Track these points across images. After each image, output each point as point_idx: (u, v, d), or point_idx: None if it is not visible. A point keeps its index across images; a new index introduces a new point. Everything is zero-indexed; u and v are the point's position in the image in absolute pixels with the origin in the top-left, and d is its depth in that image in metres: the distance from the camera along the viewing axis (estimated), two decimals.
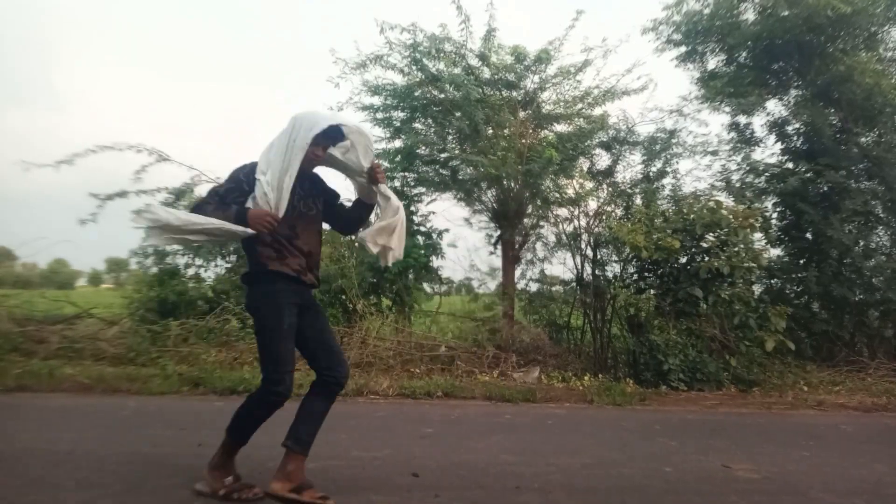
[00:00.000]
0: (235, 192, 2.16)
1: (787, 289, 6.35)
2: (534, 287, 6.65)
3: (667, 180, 6.54)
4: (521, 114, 6.32)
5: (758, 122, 7.12)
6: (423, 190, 6.63)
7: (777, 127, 6.97)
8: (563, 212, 6.21)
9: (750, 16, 6.59)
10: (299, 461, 2.13)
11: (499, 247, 6.50)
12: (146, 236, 2.12)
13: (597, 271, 6.01)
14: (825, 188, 6.21)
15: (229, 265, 6.18)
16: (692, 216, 5.30)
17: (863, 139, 6.57)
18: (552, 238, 6.45)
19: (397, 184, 6.57)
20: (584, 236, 6.05)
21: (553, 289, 6.62)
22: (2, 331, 5.16)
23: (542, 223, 6.53)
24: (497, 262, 6.60)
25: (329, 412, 2.26)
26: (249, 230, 2.06)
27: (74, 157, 5.25)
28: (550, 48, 6.14)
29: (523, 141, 5.88)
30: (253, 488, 2.16)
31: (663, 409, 4.19)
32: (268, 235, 2.10)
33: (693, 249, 5.34)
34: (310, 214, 2.27)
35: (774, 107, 6.96)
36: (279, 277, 2.15)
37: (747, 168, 6.81)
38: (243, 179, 2.17)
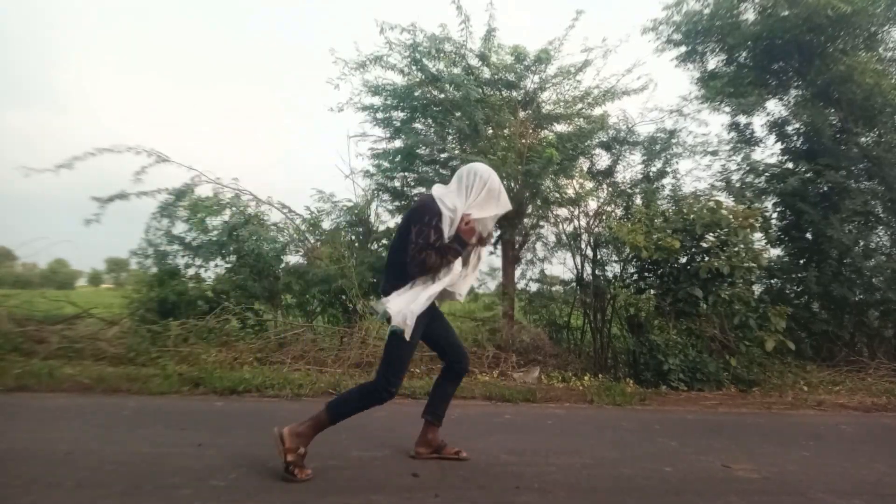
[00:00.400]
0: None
1: (787, 289, 6.35)
2: (534, 287, 6.66)
3: (667, 180, 6.55)
4: (521, 114, 6.32)
5: (758, 122, 7.13)
6: (423, 190, 6.63)
7: (777, 127, 6.97)
8: (563, 212, 6.23)
9: (750, 16, 6.59)
10: (435, 430, 2.73)
11: (499, 247, 6.51)
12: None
13: (597, 271, 6.02)
14: (825, 188, 6.21)
15: (229, 265, 6.19)
16: (692, 216, 5.30)
17: (863, 139, 6.57)
18: (552, 238, 6.46)
19: (397, 184, 6.58)
20: (584, 236, 6.05)
21: (553, 289, 6.62)
22: (2, 331, 5.17)
23: (542, 223, 6.54)
24: (497, 262, 6.61)
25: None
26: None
27: (74, 161, 5.26)
28: (550, 48, 6.14)
29: (523, 141, 5.88)
30: (306, 470, 2.37)
31: (663, 409, 4.19)
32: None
33: (693, 249, 5.34)
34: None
35: (774, 107, 6.97)
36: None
37: (747, 168, 6.81)
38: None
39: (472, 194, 2.50)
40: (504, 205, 2.58)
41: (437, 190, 2.56)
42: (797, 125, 6.74)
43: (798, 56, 6.51)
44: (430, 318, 2.55)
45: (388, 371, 2.47)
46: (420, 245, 2.39)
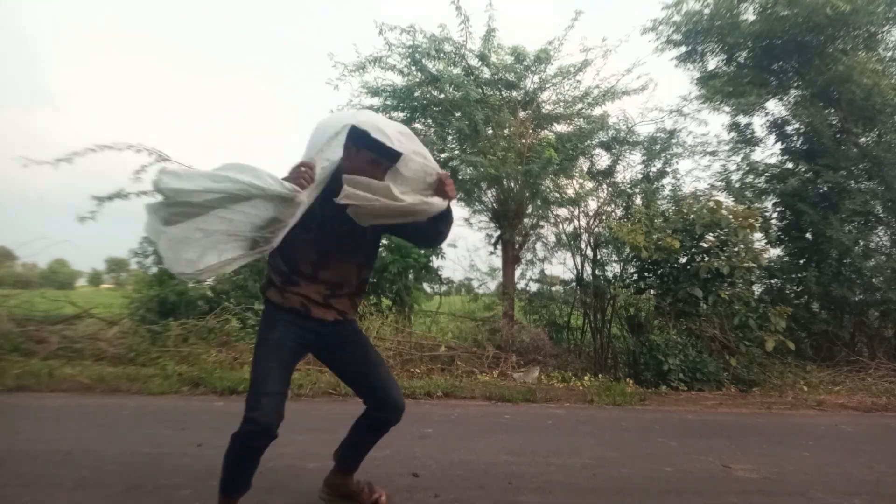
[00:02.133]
0: None
1: (787, 289, 6.35)
2: (534, 287, 6.66)
3: (667, 180, 6.56)
4: (521, 114, 6.32)
5: (758, 122, 7.14)
6: None
7: (777, 127, 6.97)
8: (563, 212, 6.23)
9: (750, 16, 6.59)
10: (344, 476, 2.17)
11: (499, 247, 6.51)
12: (148, 222, 1.67)
13: (597, 271, 6.01)
14: (825, 188, 6.20)
15: None
16: (692, 216, 5.31)
17: (862, 139, 6.57)
18: (552, 238, 6.46)
19: None
20: (584, 236, 6.05)
21: (553, 289, 6.62)
22: (2, 331, 5.16)
23: (542, 223, 6.54)
24: (497, 262, 6.61)
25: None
26: (292, 188, 1.59)
27: (74, 156, 5.25)
28: (550, 48, 6.14)
29: (523, 141, 5.88)
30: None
31: (663, 409, 4.19)
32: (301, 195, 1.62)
33: (693, 249, 5.34)
34: (348, 236, 1.85)
35: (774, 107, 6.98)
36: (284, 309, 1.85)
37: (747, 168, 6.82)
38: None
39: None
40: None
41: None
42: (797, 125, 6.74)
43: (798, 56, 6.51)
44: (331, 342, 1.96)
45: (249, 392, 1.83)
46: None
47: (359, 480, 2.18)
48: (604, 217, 6.05)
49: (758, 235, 5.69)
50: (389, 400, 2.01)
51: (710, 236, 5.34)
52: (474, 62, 6.21)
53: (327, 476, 2.17)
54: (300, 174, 1.64)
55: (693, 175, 7.16)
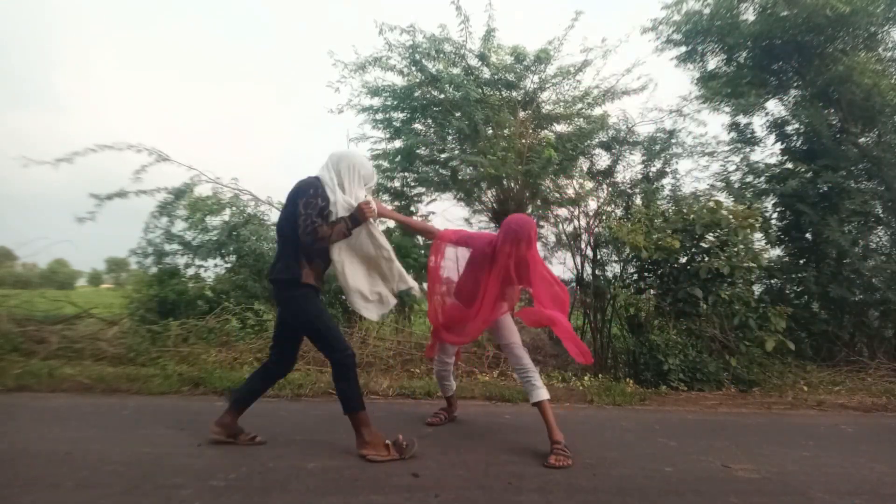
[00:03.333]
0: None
1: (787, 289, 6.35)
2: None
3: (666, 180, 6.55)
4: (521, 114, 6.33)
5: (757, 123, 7.14)
6: (422, 190, 6.64)
7: (777, 127, 6.97)
8: (563, 212, 6.22)
9: (749, 16, 6.59)
10: (233, 416, 2.86)
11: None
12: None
13: (597, 271, 6.01)
14: (825, 188, 6.21)
15: (228, 265, 6.18)
16: (692, 216, 5.30)
17: (862, 139, 6.57)
18: (552, 238, 6.46)
19: (397, 184, 6.58)
20: (584, 236, 6.05)
21: None
22: (2, 331, 5.16)
23: (542, 223, 6.54)
24: None
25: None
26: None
27: (74, 156, 5.26)
28: (550, 48, 6.15)
29: (523, 141, 5.88)
30: (406, 442, 2.69)
31: (663, 409, 4.19)
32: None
33: (693, 249, 5.34)
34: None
35: (774, 107, 6.98)
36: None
37: (747, 168, 6.82)
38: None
39: (350, 178, 2.78)
40: (370, 175, 2.89)
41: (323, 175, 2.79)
42: (797, 125, 6.75)
43: (797, 56, 6.52)
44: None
45: (334, 341, 2.72)
46: (309, 214, 2.59)
47: (241, 428, 2.85)
48: (604, 217, 6.05)
49: (758, 235, 5.69)
50: (292, 361, 2.99)
51: (710, 236, 5.34)
52: (474, 62, 6.22)
53: (219, 417, 2.83)
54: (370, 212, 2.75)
55: (693, 175, 7.17)
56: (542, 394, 2.89)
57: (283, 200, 2.87)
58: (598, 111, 6.47)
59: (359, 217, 2.70)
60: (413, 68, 6.13)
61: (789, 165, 6.63)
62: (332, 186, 2.71)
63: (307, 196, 2.62)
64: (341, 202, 2.69)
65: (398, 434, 2.73)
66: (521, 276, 2.90)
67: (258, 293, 5.89)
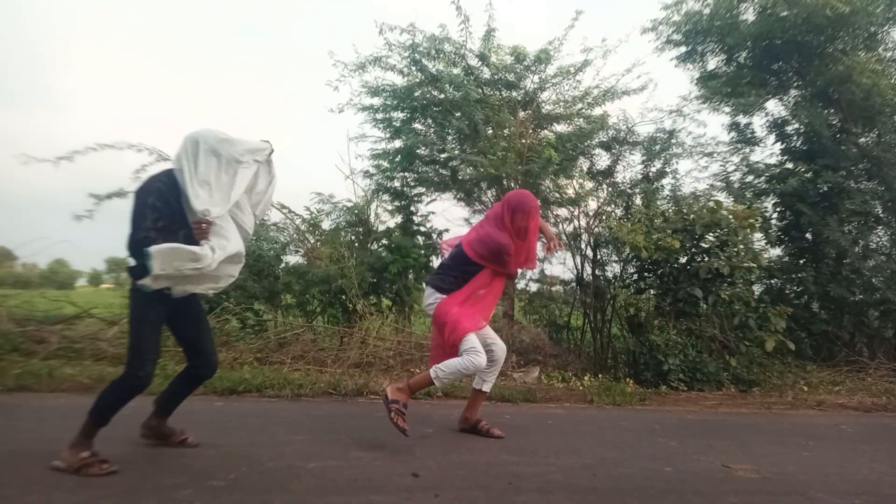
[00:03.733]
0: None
1: (787, 289, 6.35)
2: (534, 287, 6.66)
3: (666, 180, 6.55)
4: (521, 114, 6.32)
5: (757, 123, 7.14)
6: (422, 190, 6.63)
7: (777, 127, 6.97)
8: (563, 212, 6.23)
9: (749, 16, 6.58)
10: (162, 419, 2.79)
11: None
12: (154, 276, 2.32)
13: (597, 271, 6.02)
14: (824, 188, 6.21)
15: None
16: (692, 216, 5.31)
17: (862, 139, 6.57)
18: None
19: (397, 184, 6.58)
20: (584, 236, 6.05)
21: (553, 289, 6.62)
22: (2, 331, 5.16)
23: None
24: None
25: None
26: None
27: (74, 154, 5.26)
28: (550, 48, 6.14)
29: (523, 141, 5.88)
30: (105, 463, 2.39)
31: (663, 409, 4.19)
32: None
33: (693, 249, 5.34)
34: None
35: (774, 107, 6.97)
36: None
37: (747, 168, 6.82)
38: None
39: (194, 164, 2.40)
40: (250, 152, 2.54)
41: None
42: (797, 125, 6.74)
43: (797, 56, 6.51)
44: (179, 311, 2.57)
45: (131, 354, 2.43)
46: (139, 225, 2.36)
47: (171, 425, 2.79)
48: (604, 217, 6.05)
49: (758, 235, 5.70)
50: (213, 359, 2.75)
51: (710, 236, 5.34)
52: (474, 62, 6.21)
53: (146, 420, 2.78)
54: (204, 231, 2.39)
55: (693, 175, 7.16)
56: (437, 384, 3.04)
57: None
58: (598, 111, 6.46)
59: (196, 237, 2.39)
60: (413, 68, 6.13)
61: (789, 165, 6.63)
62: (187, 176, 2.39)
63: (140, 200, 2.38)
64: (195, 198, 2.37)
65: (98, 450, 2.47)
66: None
67: (258, 293, 5.89)
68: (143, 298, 2.40)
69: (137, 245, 2.32)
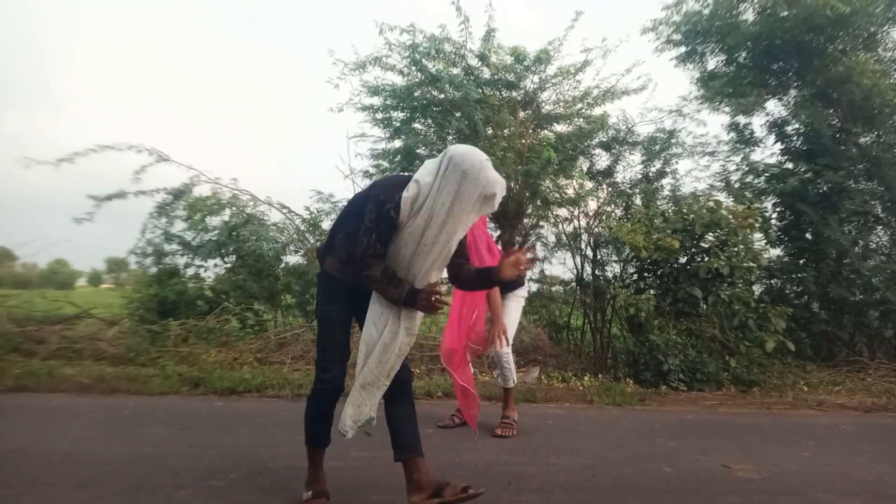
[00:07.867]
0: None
1: (787, 289, 6.35)
2: (534, 287, 6.65)
3: (666, 180, 6.55)
4: (521, 114, 6.32)
5: (757, 123, 7.14)
6: None
7: (777, 127, 6.97)
8: (562, 212, 6.23)
9: (749, 16, 6.59)
10: (419, 466, 2.12)
11: (498, 246, 6.50)
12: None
13: (597, 271, 6.01)
14: (825, 188, 6.21)
15: (228, 265, 6.19)
16: (692, 216, 5.30)
17: (862, 139, 6.58)
18: (552, 238, 6.46)
19: None
20: (584, 236, 6.05)
21: (553, 289, 6.62)
22: (2, 331, 5.17)
23: (542, 223, 6.54)
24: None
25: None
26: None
27: (75, 156, 5.27)
28: (550, 48, 6.14)
29: (523, 141, 5.88)
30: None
31: (663, 409, 4.19)
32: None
33: (693, 249, 5.34)
34: None
35: (774, 107, 6.98)
36: None
37: (747, 168, 6.82)
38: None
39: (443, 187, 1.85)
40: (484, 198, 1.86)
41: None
42: (797, 125, 6.75)
43: (797, 56, 6.52)
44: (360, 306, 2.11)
45: (317, 355, 2.17)
46: (367, 228, 1.92)
47: (441, 479, 2.11)
48: (604, 217, 6.05)
49: (757, 235, 5.69)
50: (406, 361, 2.20)
51: (709, 236, 5.34)
52: (474, 62, 6.21)
53: (407, 485, 2.10)
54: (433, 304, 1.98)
55: (693, 175, 7.16)
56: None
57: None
58: (597, 111, 6.47)
59: (417, 304, 1.96)
60: (413, 68, 6.13)
61: (789, 165, 6.64)
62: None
63: (374, 202, 1.92)
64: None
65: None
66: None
67: (258, 293, 5.90)
68: (327, 293, 2.11)
69: (363, 254, 1.94)
